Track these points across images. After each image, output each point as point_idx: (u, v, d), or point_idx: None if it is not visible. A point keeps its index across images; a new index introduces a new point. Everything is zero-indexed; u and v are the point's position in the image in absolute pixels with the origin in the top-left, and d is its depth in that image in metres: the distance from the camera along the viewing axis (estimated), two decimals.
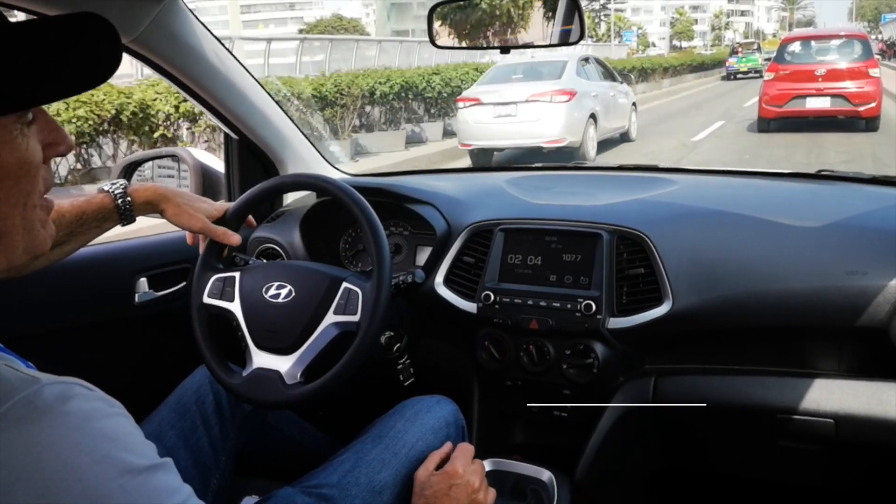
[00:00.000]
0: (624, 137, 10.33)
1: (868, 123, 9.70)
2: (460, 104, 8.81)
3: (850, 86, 9.56)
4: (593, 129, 8.69)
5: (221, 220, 1.15)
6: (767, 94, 10.22)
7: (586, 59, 9.86)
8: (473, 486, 0.98)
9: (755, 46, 33.60)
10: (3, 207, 0.58)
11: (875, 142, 8.98)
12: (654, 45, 64.87)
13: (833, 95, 9.61)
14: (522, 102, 8.25)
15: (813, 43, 10.34)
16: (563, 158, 8.10)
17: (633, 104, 10.66)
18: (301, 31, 41.23)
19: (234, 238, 1.12)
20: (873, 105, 9.51)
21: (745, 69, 29.49)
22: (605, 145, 9.47)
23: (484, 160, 8.83)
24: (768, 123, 10.38)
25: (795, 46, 10.53)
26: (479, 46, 1.60)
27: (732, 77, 29.65)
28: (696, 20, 78.47)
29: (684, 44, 66.34)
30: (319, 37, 18.54)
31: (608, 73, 10.35)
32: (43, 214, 0.62)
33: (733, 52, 33.22)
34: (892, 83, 14.09)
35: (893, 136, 9.29)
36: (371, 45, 15.14)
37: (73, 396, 0.53)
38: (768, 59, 13.47)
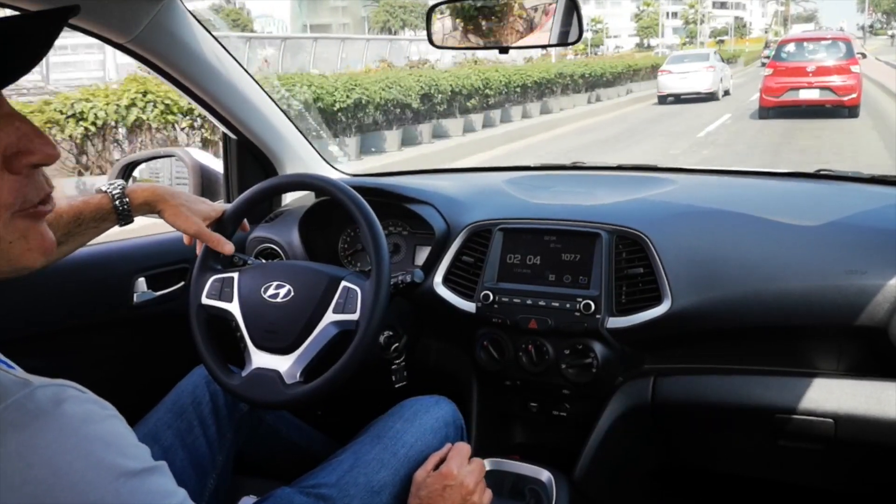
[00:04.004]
0: (726, 93, 18.62)
1: (850, 111, 11.58)
2: (660, 74, 18.09)
3: (835, 80, 11.46)
4: (721, 85, 18.01)
5: (219, 222, 1.15)
6: (767, 86, 12.04)
7: (714, 52, 19.75)
8: (468, 487, 0.97)
9: None
10: None
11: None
12: (610, 44, 59.74)
13: (821, 88, 11.52)
14: (693, 72, 17.13)
15: (805, 44, 12.43)
16: (708, 99, 17.12)
17: (731, 76, 20.50)
18: None
19: (228, 247, 1.12)
20: (854, 96, 11.46)
21: None
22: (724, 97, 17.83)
23: (666, 101, 17.73)
24: (767, 112, 12.17)
25: (790, 47, 12.49)
26: (477, 46, 1.59)
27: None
28: (673, 13, 69.73)
29: (652, 41, 59.96)
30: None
31: (722, 59, 19.83)
32: (23, 227, 0.57)
33: (766, 47, 42.23)
34: None
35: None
36: (268, 42, 14.42)
37: (66, 399, 0.52)
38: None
